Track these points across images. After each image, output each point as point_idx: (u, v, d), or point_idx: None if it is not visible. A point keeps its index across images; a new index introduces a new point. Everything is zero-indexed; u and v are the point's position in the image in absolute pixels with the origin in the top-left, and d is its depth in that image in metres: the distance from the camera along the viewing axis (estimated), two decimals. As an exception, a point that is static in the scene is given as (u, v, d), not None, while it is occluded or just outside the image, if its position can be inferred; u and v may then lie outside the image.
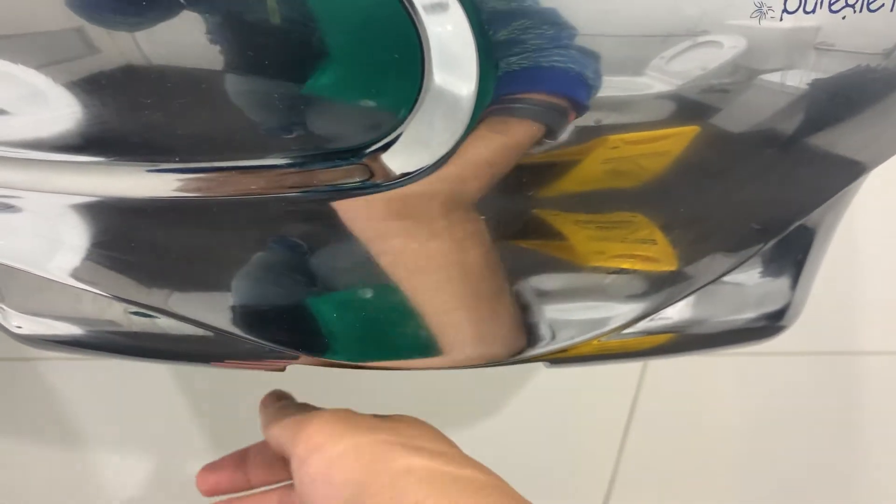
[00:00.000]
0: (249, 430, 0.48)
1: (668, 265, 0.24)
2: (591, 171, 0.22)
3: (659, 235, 0.23)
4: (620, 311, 0.25)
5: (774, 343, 0.52)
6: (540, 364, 0.49)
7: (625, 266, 0.24)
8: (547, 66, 0.19)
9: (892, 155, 0.26)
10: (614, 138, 0.21)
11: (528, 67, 0.19)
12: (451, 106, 0.18)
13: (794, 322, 0.32)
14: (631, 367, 0.51)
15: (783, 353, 0.53)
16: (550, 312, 0.25)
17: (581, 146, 0.21)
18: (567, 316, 0.25)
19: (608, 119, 0.21)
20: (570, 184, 0.22)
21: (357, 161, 0.19)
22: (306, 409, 0.30)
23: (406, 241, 0.22)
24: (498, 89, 0.19)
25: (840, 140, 0.24)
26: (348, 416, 0.26)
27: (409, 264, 0.22)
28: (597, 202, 0.22)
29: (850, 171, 0.25)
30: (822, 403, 0.56)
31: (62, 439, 0.46)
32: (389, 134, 0.19)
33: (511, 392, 0.51)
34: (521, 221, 0.22)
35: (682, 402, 0.54)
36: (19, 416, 0.45)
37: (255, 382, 0.47)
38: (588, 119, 0.20)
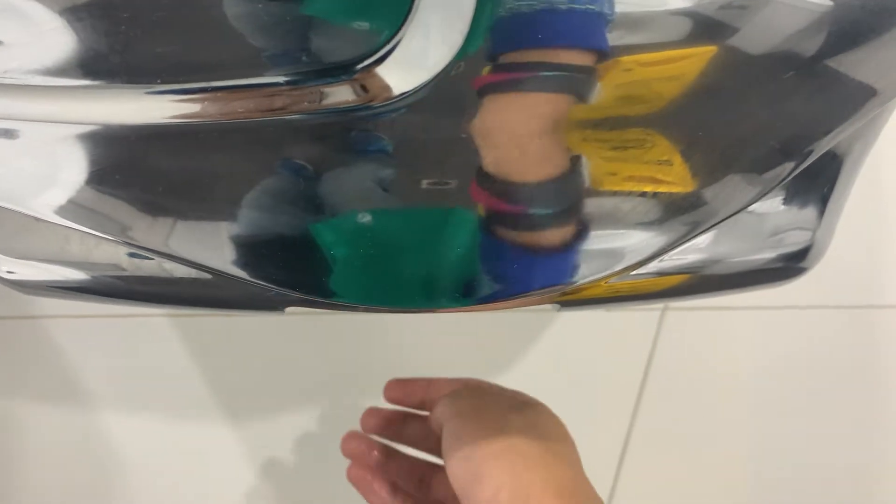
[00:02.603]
0: (259, 387, 0.48)
1: (685, 187, 0.23)
2: (604, 95, 0.21)
3: (675, 156, 0.22)
4: (637, 243, 0.24)
5: (793, 296, 0.51)
6: (552, 317, 0.49)
7: (639, 189, 0.23)
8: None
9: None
10: (627, 60, 0.20)
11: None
12: (448, 14, 0.17)
13: (817, 264, 0.30)
14: (647, 321, 0.50)
15: (802, 307, 0.52)
16: (569, 242, 0.24)
17: (592, 69, 0.20)
18: (580, 247, 0.24)
19: (622, 38, 0.20)
20: (580, 110, 0.21)
21: (348, 78, 0.18)
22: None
23: (411, 168, 0.20)
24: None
25: (860, 64, 0.23)
26: (516, 452, 0.30)
27: (412, 192, 0.21)
28: (609, 125, 0.21)
29: (870, 97, 0.24)
30: (842, 357, 0.55)
31: (68, 399, 0.46)
32: (382, 48, 0.18)
33: (526, 344, 0.50)
34: (525, 144, 0.21)
35: (699, 356, 0.53)
36: (23, 377, 0.45)
37: (263, 341, 0.47)
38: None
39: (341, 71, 0.18)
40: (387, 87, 0.18)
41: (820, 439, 0.59)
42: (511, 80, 0.19)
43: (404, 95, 0.19)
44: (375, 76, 0.18)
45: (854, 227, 0.49)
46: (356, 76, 0.18)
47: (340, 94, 0.18)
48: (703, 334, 0.51)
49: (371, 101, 0.18)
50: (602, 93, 0.20)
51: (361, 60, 0.18)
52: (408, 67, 0.18)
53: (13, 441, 0.47)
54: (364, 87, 0.18)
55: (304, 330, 0.46)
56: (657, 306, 0.50)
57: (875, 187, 0.48)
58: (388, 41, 0.18)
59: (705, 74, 0.21)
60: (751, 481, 0.61)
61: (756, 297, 0.51)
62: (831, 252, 0.50)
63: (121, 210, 0.22)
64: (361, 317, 0.46)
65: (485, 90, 0.19)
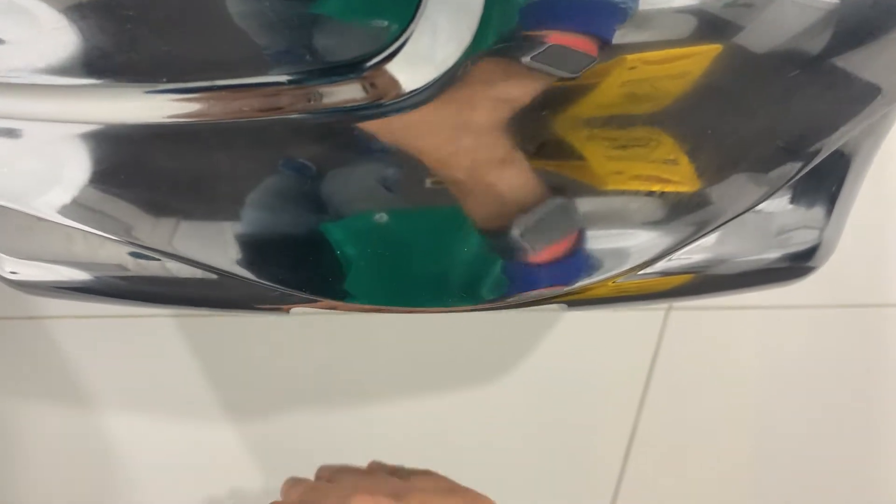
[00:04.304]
0: (260, 388, 0.47)
1: (691, 187, 0.23)
2: (609, 94, 0.20)
3: (681, 155, 0.22)
4: (644, 242, 0.24)
5: (799, 295, 0.51)
6: (555, 317, 0.49)
7: (645, 188, 0.23)
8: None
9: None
10: (632, 58, 0.20)
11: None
12: (457, 10, 0.17)
13: (825, 263, 0.30)
14: (651, 321, 0.50)
15: (807, 307, 0.52)
16: (575, 242, 0.23)
17: (599, 66, 0.20)
18: (587, 246, 0.24)
19: (627, 36, 0.19)
20: (585, 108, 0.21)
21: (356, 76, 0.18)
22: None
23: (419, 167, 0.20)
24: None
25: (866, 62, 0.23)
26: None
27: (419, 192, 0.21)
28: (614, 123, 0.21)
29: (877, 96, 0.24)
30: (848, 357, 0.55)
31: (71, 400, 0.46)
32: (390, 46, 0.18)
33: (529, 344, 0.50)
34: (532, 142, 0.21)
35: (704, 356, 0.53)
36: (25, 377, 0.45)
37: (267, 341, 0.46)
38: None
39: (350, 69, 0.18)
40: (396, 85, 0.18)
41: (825, 439, 0.59)
42: (520, 77, 0.19)
43: (414, 93, 0.18)
44: (385, 73, 0.18)
45: (860, 226, 0.49)
46: (365, 74, 0.18)
47: (349, 93, 0.18)
48: (708, 334, 0.51)
49: (380, 98, 0.18)
50: (608, 91, 0.20)
51: (371, 58, 0.18)
52: (417, 64, 0.18)
53: (15, 441, 0.47)
54: (374, 85, 0.18)
55: (307, 331, 0.46)
56: (662, 306, 0.49)
57: (881, 186, 0.48)
58: (397, 38, 0.18)
59: (711, 73, 0.21)
60: (755, 480, 0.61)
61: (761, 296, 0.51)
62: (837, 251, 0.50)
63: (125, 210, 0.22)
64: (366, 317, 0.46)
65: (493, 87, 0.19)
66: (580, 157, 0.22)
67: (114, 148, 0.21)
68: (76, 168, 0.21)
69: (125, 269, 0.24)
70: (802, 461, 0.60)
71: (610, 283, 0.27)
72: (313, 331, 0.46)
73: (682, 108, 0.21)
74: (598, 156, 0.21)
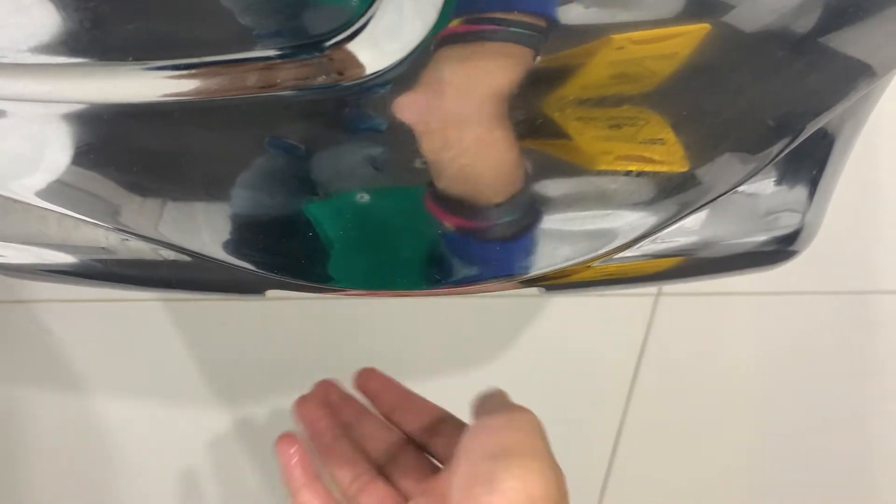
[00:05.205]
0: (249, 371, 0.48)
1: (678, 167, 0.23)
2: (596, 74, 0.20)
3: (668, 134, 0.22)
4: (628, 223, 0.24)
5: (788, 281, 0.51)
6: (543, 303, 0.48)
7: (632, 168, 0.22)
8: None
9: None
10: (620, 38, 0.20)
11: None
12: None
13: (807, 246, 0.30)
14: (640, 307, 0.50)
15: (797, 293, 0.52)
16: (553, 223, 0.23)
17: (584, 46, 0.19)
18: (571, 227, 0.23)
19: (613, 15, 0.19)
20: (572, 89, 0.20)
21: (319, 55, 0.18)
22: None
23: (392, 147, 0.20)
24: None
25: (851, 41, 0.23)
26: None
27: (394, 172, 0.21)
28: (600, 103, 0.21)
29: (861, 75, 0.24)
30: (838, 343, 0.55)
31: (60, 384, 0.46)
32: (354, 24, 0.17)
33: (517, 331, 0.50)
34: (516, 123, 0.20)
35: (693, 342, 0.53)
36: (13, 361, 0.45)
37: (256, 325, 0.46)
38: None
39: (312, 48, 0.18)
40: (359, 65, 0.18)
41: (816, 425, 0.59)
42: (489, 55, 0.19)
43: (378, 74, 0.18)
44: (347, 53, 0.18)
45: (850, 213, 0.49)
46: (326, 53, 0.18)
47: (311, 72, 0.18)
48: (698, 321, 0.51)
49: (342, 79, 0.18)
50: (593, 70, 0.20)
51: (332, 37, 0.17)
52: (381, 44, 0.18)
53: (4, 425, 0.47)
54: (335, 65, 0.18)
55: (296, 316, 0.46)
56: (650, 292, 0.49)
57: (871, 172, 0.48)
58: (360, 17, 0.17)
59: (700, 52, 0.21)
60: (745, 468, 0.61)
61: (750, 282, 0.50)
62: (827, 238, 0.49)
63: (102, 192, 0.22)
64: (354, 304, 0.46)
65: (462, 66, 0.19)
66: (561, 137, 0.21)
67: (92, 128, 0.21)
68: (57, 149, 0.21)
69: (102, 251, 0.24)
70: (794, 447, 0.60)
71: (595, 267, 0.27)
72: (303, 316, 0.46)
73: (670, 88, 0.21)
74: (581, 136, 0.21)
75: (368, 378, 0.38)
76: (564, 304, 0.48)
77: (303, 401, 0.37)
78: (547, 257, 0.24)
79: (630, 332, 0.51)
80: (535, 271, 0.24)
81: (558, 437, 0.55)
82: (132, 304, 0.44)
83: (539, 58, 0.19)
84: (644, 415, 0.55)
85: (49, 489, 0.50)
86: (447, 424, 0.36)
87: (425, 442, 0.35)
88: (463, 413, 0.51)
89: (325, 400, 0.37)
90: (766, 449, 0.60)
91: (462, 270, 0.23)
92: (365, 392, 0.38)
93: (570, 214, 0.24)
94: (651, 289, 0.49)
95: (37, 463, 0.49)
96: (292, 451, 0.34)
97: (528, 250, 0.24)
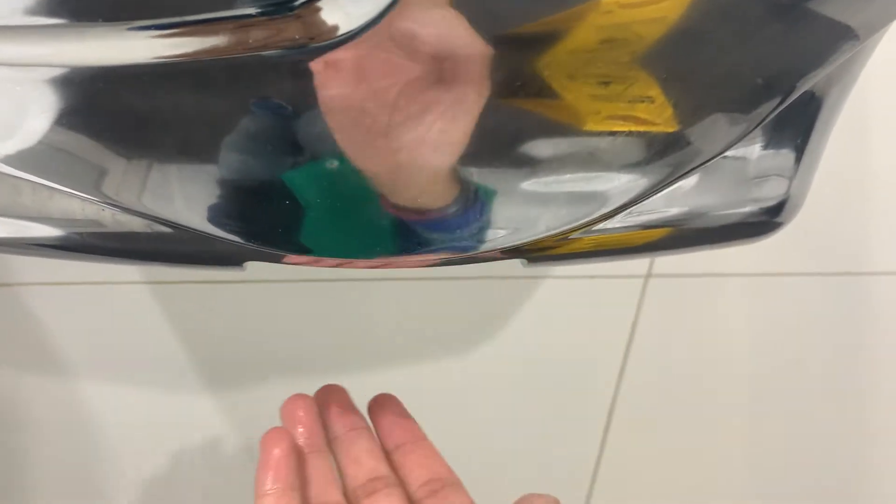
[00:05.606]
0: (235, 353, 0.47)
1: (667, 126, 0.23)
2: (584, 39, 0.20)
3: (656, 92, 0.22)
4: (618, 185, 0.23)
5: (779, 263, 0.50)
6: (531, 285, 0.48)
7: (620, 128, 0.22)
8: None
9: (882, 27, 0.25)
10: (607, 1, 0.19)
11: None
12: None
13: (792, 218, 0.30)
14: (630, 288, 0.50)
15: (788, 274, 0.52)
16: (539, 187, 0.23)
17: (570, 11, 0.19)
18: (558, 189, 0.23)
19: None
20: (559, 54, 0.20)
21: (289, 13, 0.17)
22: None
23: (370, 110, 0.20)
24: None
25: (835, 2, 0.22)
26: None
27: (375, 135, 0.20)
28: (588, 65, 0.21)
29: (845, 36, 0.24)
30: (829, 325, 0.55)
31: (45, 367, 0.46)
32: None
33: (505, 313, 0.49)
34: (500, 81, 0.20)
35: (683, 324, 0.52)
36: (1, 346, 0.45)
37: (245, 309, 0.46)
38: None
39: (282, 7, 0.17)
40: (330, 26, 0.18)
41: (809, 407, 0.59)
42: (464, 19, 0.19)
43: (351, 33, 0.18)
44: (316, 12, 0.17)
45: (841, 194, 0.49)
46: (297, 11, 0.17)
47: (282, 32, 0.18)
48: (688, 302, 0.51)
49: (312, 39, 0.18)
50: (581, 34, 0.20)
51: (301, -6, 0.17)
52: (351, 3, 0.17)
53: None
54: (305, 24, 0.18)
55: (284, 298, 0.46)
56: (640, 273, 0.49)
57: (864, 153, 0.48)
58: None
59: (688, 15, 0.20)
60: (737, 451, 0.61)
61: (741, 263, 0.50)
62: (818, 218, 0.49)
63: (75, 158, 0.22)
64: (342, 286, 0.46)
65: (437, 28, 0.19)
66: (547, 97, 0.21)
67: (66, 92, 0.20)
68: (29, 115, 0.21)
69: (80, 223, 0.24)
70: (787, 430, 0.60)
71: (584, 238, 0.27)
72: (291, 298, 0.46)
73: (658, 51, 0.21)
74: (568, 94, 0.21)
75: (382, 407, 0.34)
76: (554, 287, 0.48)
77: (293, 404, 0.33)
78: (531, 223, 0.24)
79: (620, 314, 0.51)
80: (520, 239, 0.24)
81: (549, 420, 0.55)
82: (117, 287, 0.43)
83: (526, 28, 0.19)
84: (634, 398, 0.55)
85: (34, 472, 0.50)
86: (449, 490, 0.31)
87: (418, 498, 0.31)
88: (456, 396, 0.51)
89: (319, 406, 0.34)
90: (759, 431, 0.60)
91: (439, 239, 0.23)
92: (375, 423, 0.34)
93: (558, 177, 0.23)
94: (640, 270, 0.49)
95: (20, 443, 0.49)
96: (275, 451, 0.30)
97: (512, 216, 0.23)
